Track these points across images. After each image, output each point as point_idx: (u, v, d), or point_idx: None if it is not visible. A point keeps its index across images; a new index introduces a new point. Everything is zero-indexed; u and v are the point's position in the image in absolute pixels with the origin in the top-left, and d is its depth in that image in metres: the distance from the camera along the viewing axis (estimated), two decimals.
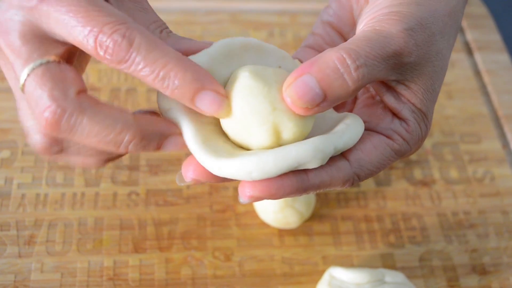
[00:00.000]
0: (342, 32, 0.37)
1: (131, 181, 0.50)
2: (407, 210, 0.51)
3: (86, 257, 0.46)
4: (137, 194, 0.49)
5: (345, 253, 0.48)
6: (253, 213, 0.49)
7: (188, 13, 0.62)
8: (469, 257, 0.48)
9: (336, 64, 0.28)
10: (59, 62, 0.29)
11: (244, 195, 0.29)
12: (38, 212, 0.48)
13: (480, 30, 0.65)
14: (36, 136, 0.30)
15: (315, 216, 0.49)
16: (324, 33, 0.37)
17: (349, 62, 0.28)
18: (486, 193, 0.52)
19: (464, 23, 0.65)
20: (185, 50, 0.31)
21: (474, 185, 0.53)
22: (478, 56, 0.62)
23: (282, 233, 0.48)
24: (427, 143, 0.55)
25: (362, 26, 0.32)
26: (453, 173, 0.53)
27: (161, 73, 0.28)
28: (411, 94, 0.32)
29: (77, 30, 0.28)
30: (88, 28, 0.28)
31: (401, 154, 0.33)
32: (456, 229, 0.50)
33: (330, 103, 0.29)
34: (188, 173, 0.30)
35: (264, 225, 0.48)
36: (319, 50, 0.37)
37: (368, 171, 0.32)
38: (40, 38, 0.29)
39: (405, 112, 0.32)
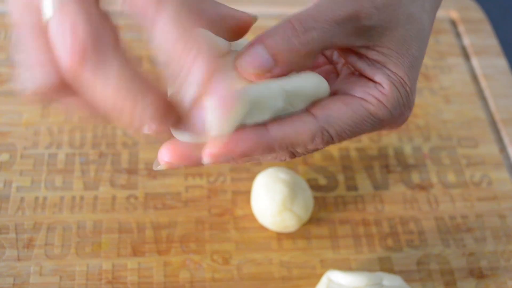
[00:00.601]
0: None
1: (130, 185, 0.50)
2: (404, 214, 0.51)
3: (84, 260, 0.46)
4: (136, 198, 0.49)
5: (343, 257, 0.48)
6: (251, 217, 0.49)
7: None
8: (466, 261, 0.49)
9: (284, 30, 0.29)
10: None
11: (205, 154, 0.28)
12: (37, 215, 0.48)
13: (478, 34, 0.65)
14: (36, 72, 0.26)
15: (313, 220, 0.49)
16: None
17: (297, 26, 0.29)
18: (484, 197, 0.53)
19: (462, 28, 0.66)
20: (224, 16, 0.30)
21: (472, 189, 0.53)
22: (475, 61, 0.63)
23: (280, 236, 0.48)
24: (425, 147, 0.55)
25: None
26: (451, 177, 0.54)
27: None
28: (384, 59, 0.31)
29: None
30: None
31: (379, 118, 0.32)
32: (454, 233, 0.50)
33: (283, 68, 0.29)
34: (163, 157, 0.29)
35: (262, 228, 0.48)
36: None
37: (340, 127, 0.31)
38: None
39: (379, 76, 0.32)
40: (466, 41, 0.64)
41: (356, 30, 0.30)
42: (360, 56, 0.32)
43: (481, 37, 0.65)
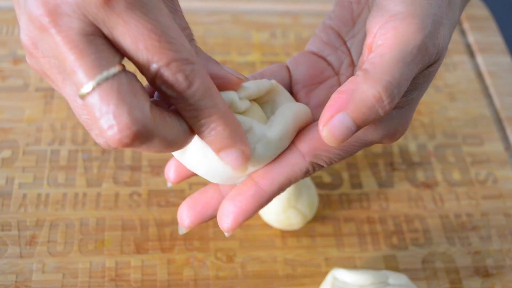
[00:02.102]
0: (340, 32, 0.38)
1: (133, 182, 0.50)
2: (409, 212, 0.51)
3: (87, 257, 0.45)
4: (139, 195, 0.49)
5: (348, 255, 0.48)
6: (255, 214, 0.48)
7: (190, 14, 0.62)
8: (471, 259, 0.48)
9: (373, 103, 0.29)
10: (124, 71, 0.27)
11: (224, 229, 0.33)
12: (40, 212, 0.47)
13: (482, 32, 0.65)
14: (101, 141, 0.28)
15: (317, 218, 0.49)
16: (324, 36, 0.38)
17: (384, 98, 0.29)
18: (489, 195, 0.52)
19: (466, 25, 0.65)
20: (211, 75, 0.31)
21: (477, 187, 0.53)
22: (480, 58, 0.62)
23: (284, 234, 0.48)
24: (430, 145, 0.55)
25: (378, 31, 0.31)
26: (456, 175, 0.53)
27: (203, 120, 0.29)
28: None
29: (144, 53, 0.26)
30: (156, 57, 0.26)
31: (368, 141, 0.33)
32: (459, 231, 0.50)
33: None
34: (183, 225, 0.35)
35: (266, 226, 0.48)
36: (318, 53, 0.38)
37: (328, 158, 0.32)
38: (104, 42, 0.26)
39: None
40: (471, 38, 0.64)
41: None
42: None
43: (485, 35, 0.64)
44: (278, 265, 0.46)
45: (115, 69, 0.26)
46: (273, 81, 0.35)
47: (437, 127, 0.56)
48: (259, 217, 0.48)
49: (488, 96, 0.60)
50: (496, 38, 0.64)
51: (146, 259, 0.46)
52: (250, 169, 0.32)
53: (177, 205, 0.49)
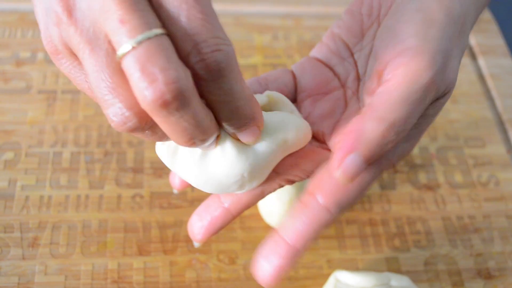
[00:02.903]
0: (349, 44, 0.38)
1: (135, 184, 0.50)
2: (412, 214, 0.51)
3: (90, 259, 0.45)
4: (142, 197, 0.49)
5: (350, 257, 0.48)
6: (257, 216, 0.49)
7: None
8: (474, 261, 0.48)
9: (380, 140, 0.30)
10: (167, 35, 0.26)
11: (262, 283, 0.33)
12: (42, 214, 0.47)
13: (484, 34, 0.65)
14: (118, 110, 0.27)
15: None
16: (332, 45, 0.38)
17: (391, 135, 0.30)
18: (491, 198, 0.52)
19: None
20: None
21: (479, 189, 0.53)
22: (482, 61, 0.62)
23: None
24: (432, 147, 0.55)
25: (389, 63, 0.32)
26: (458, 177, 0.53)
27: (232, 105, 0.28)
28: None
29: (184, 24, 0.26)
30: (197, 30, 0.26)
31: (379, 175, 0.34)
32: (461, 233, 0.50)
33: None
34: (197, 237, 0.35)
35: (269, 228, 0.48)
36: (325, 61, 0.38)
37: (348, 206, 0.32)
38: (147, 4, 0.26)
39: None
40: (473, 41, 0.64)
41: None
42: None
43: (487, 37, 0.65)
44: None
45: (159, 30, 0.25)
46: (273, 93, 0.35)
47: (439, 129, 0.56)
48: (262, 219, 0.48)
49: (490, 98, 0.60)
50: (498, 41, 0.64)
51: (149, 261, 0.46)
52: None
53: (179, 207, 0.49)
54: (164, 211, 0.48)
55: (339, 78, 0.38)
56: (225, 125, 0.30)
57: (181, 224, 0.48)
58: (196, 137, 0.28)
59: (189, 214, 0.48)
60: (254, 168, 0.32)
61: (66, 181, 0.49)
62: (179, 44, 0.26)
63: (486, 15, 0.66)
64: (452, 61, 0.32)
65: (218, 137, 0.31)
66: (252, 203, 0.35)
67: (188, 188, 0.50)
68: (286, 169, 0.35)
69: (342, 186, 0.31)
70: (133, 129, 0.27)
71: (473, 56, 0.63)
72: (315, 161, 0.35)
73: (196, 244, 0.35)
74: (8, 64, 0.57)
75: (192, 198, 0.49)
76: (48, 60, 0.57)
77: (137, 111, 0.26)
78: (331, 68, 0.38)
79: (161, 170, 0.51)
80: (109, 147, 0.52)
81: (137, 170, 0.51)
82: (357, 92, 0.36)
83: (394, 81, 0.30)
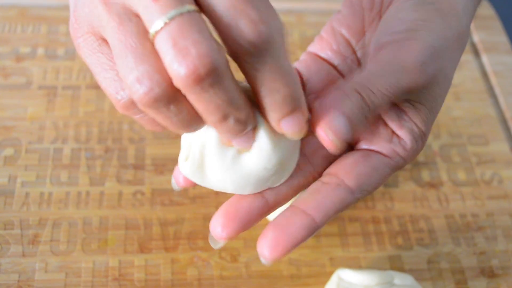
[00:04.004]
0: (351, 42, 0.37)
1: (137, 180, 0.49)
2: (414, 212, 0.50)
3: (91, 257, 0.45)
4: (143, 194, 0.49)
5: (353, 255, 0.47)
6: None
7: None
8: (477, 259, 0.48)
9: (356, 100, 0.30)
10: (200, 12, 0.26)
11: (265, 256, 0.30)
12: (42, 211, 0.47)
13: (487, 31, 0.64)
14: (145, 73, 0.25)
15: None
16: (333, 42, 0.37)
17: (365, 96, 0.30)
18: (494, 196, 0.52)
19: (471, 25, 0.65)
20: None
21: (482, 187, 0.52)
22: (485, 58, 0.62)
23: None
24: (435, 145, 0.55)
25: (377, 47, 0.32)
26: (461, 175, 0.53)
27: (275, 76, 0.27)
28: (414, 113, 0.32)
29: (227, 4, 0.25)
30: (241, 11, 0.25)
31: (395, 170, 0.33)
32: (464, 232, 0.50)
33: (354, 138, 0.31)
34: (219, 236, 0.31)
35: None
36: (328, 60, 0.37)
37: (368, 192, 0.32)
38: None
39: (405, 130, 0.32)
40: (476, 38, 0.64)
41: (407, 93, 0.31)
42: (393, 105, 0.32)
43: (491, 34, 0.64)
44: (282, 265, 0.46)
45: (192, 7, 0.25)
46: None
47: (442, 126, 0.56)
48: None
49: (493, 95, 0.59)
50: (501, 38, 0.64)
51: (150, 259, 0.45)
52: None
53: (181, 204, 0.48)
54: (166, 208, 0.48)
55: (343, 77, 0.37)
56: (268, 111, 0.28)
57: (183, 221, 0.47)
58: (230, 114, 0.27)
59: (190, 211, 0.48)
60: (289, 156, 0.31)
61: (67, 178, 0.49)
62: (217, 20, 0.25)
63: (489, 11, 0.66)
64: (442, 61, 0.32)
65: (254, 130, 0.29)
66: (292, 195, 0.33)
67: None
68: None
69: (365, 171, 0.31)
70: (159, 98, 0.25)
71: (476, 53, 0.63)
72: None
73: (216, 244, 0.32)
74: (8, 59, 0.56)
75: (194, 195, 0.49)
76: (48, 56, 0.57)
77: (166, 77, 0.25)
78: (335, 67, 0.37)
79: (163, 167, 0.50)
80: (110, 144, 0.51)
81: (138, 166, 0.50)
82: None
83: (379, 59, 0.31)
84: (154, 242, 0.46)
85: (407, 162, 0.33)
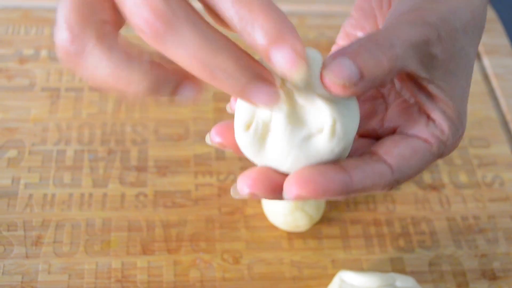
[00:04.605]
0: None
1: (139, 182, 0.50)
2: (416, 214, 0.50)
3: (93, 258, 0.45)
4: (145, 196, 0.49)
5: (355, 257, 0.47)
6: (262, 216, 0.48)
7: None
8: (478, 262, 0.48)
9: (368, 45, 0.28)
10: None
11: (291, 193, 0.28)
12: (46, 212, 0.47)
13: (488, 34, 0.65)
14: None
15: (324, 219, 0.49)
16: None
17: (381, 41, 0.28)
18: (496, 198, 0.52)
19: None
20: None
21: (484, 190, 0.53)
22: (486, 60, 0.62)
23: (291, 236, 0.48)
24: None
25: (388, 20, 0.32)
26: (462, 178, 0.53)
27: (248, 16, 0.26)
28: (441, 93, 0.31)
29: None
30: None
31: (439, 156, 0.32)
32: (466, 234, 0.50)
33: (368, 83, 0.28)
34: (244, 188, 0.29)
35: (273, 227, 0.48)
36: None
37: (408, 176, 0.31)
38: None
39: (437, 113, 0.32)
40: None
41: (425, 57, 0.30)
42: (420, 87, 0.32)
43: (492, 37, 0.64)
44: (284, 267, 0.46)
45: None
46: (311, 51, 0.32)
47: None
48: (266, 219, 0.48)
49: (494, 98, 0.60)
50: (502, 40, 0.64)
51: (152, 260, 0.45)
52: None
53: (183, 206, 0.48)
54: (168, 210, 0.48)
55: None
56: (254, 45, 0.26)
57: (185, 223, 0.48)
58: (210, 64, 0.25)
59: (193, 213, 0.48)
60: (352, 140, 0.30)
61: (70, 179, 0.49)
62: None
63: (491, 14, 0.66)
64: (456, 33, 0.31)
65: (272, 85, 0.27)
66: None
67: (191, 187, 0.49)
68: None
69: (405, 152, 0.30)
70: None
71: (478, 56, 0.63)
72: None
73: (236, 194, 0.30)
74: (12, 61, 0.56)
75: (196, 197, 0.49)
76: (51, 58, 0.57)
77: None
78: None
79: (165, 169, 0.50)
80: (112, 145, 0.51)
81: (141, 168, 0.50)
82: (409, 93, 0.34)
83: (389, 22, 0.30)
84: (156, 244, 0.46)
85: (449, 147, 0.32)
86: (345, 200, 0.50)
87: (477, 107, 0.59)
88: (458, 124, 0.32)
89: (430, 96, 0.32)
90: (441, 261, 0.48)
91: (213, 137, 0.32)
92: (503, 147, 0.56)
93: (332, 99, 0.29)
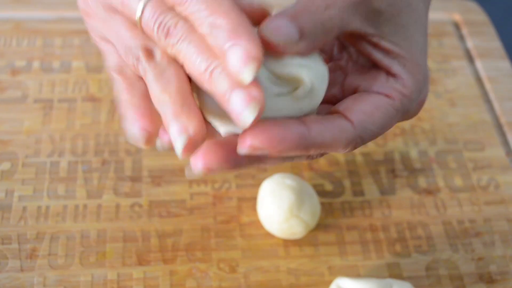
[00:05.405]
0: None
1: (134, 193, 0.49)
2: (412, 219, 0.50)
3: (89, 270, 0.45)
4: (140, 206, 0.49)
5: (351, 263, 0.47)
6: (257, 224, 0.48)
7: None
8: (475, 265, 0.48)
9: (306, 5, 0.29)
10: None
11: (245, 144, 0.28)
12: (40, 225, 0.47)
13: (481, 37, 0.65)
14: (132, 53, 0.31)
15: (320, 226, 0.49)
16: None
17: (318, 2, 0.29)
18: (491, 201, 0.52)
19: (465, 31, 0.65)
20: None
21: (479, 193, 0.53)
22: (479, 63, 0.62)
23: (287, 243, 0.48)
24: (431, 151, 0.55)
25: None
26: (458, 181, 0.53)
27: (210, 18, 0.28)
28: (395, 47, 0.31)
29: None
30: None
31: (404, 112, 0.32)
32: (462, 238, 0.50)
33: (309, 42, 0.29)
34: (197, 163, 0.28)
35: (269, 235, 0.48)
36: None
37: (372, 132, 0.31)
38: None
39: (397, 67, 0.32)
40: (470, 43, 0.64)
41: (369, 14, 0.30)
42: (373, 45, 0.32)
43: (484, 40, 0.64)
44: (281, 274, 0.46)
45: None
46: None
47: (438, 133, 0.56)
48: (261, 227, 0.48)
49: (488, 101, 0.60)
50: (495, 43, 0.64)
51: (148, 271, 0.45)
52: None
53: (178, 215, 0.48)
54: (163, 220, 0.48)
55: (324, 53, 0.37)
56: (212, 43, 0.27)
57: (181, 233, 0.47)
58: (205, 61, 0.28)
59: (188, 223, 0.48)
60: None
61: (64, 191, 0.49)
62: None
63: (483, 17, 0.66)
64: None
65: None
66: None
67: (186, 196, 0.49)
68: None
69: (366, 108, 0.30)
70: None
71: (471, 59, 0.63)
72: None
73: (190, 173, 0.29)
74: (4, 73, 0.56)
75: (191, 206, 0.49)
76: (44, 69, 0.57)
77: None
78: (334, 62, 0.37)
79: (160, 179, 0.50)
80: (106, 156, 0.51)
81: (135, 178, 0.50)
82: (361, 53, 0.34)
83: None
84: (152, 254, 0.46)
85: (414, 102, 0.32)
86: (341, 207, 0.50)
87: (471, 110, 0.59)
88: (419, 76, 0.32)
89: (386, 52, 0.32)
90: (438, 265, 0.48)
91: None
92: (498, 150, 0.56)
93: (305, 65, 0.30)
